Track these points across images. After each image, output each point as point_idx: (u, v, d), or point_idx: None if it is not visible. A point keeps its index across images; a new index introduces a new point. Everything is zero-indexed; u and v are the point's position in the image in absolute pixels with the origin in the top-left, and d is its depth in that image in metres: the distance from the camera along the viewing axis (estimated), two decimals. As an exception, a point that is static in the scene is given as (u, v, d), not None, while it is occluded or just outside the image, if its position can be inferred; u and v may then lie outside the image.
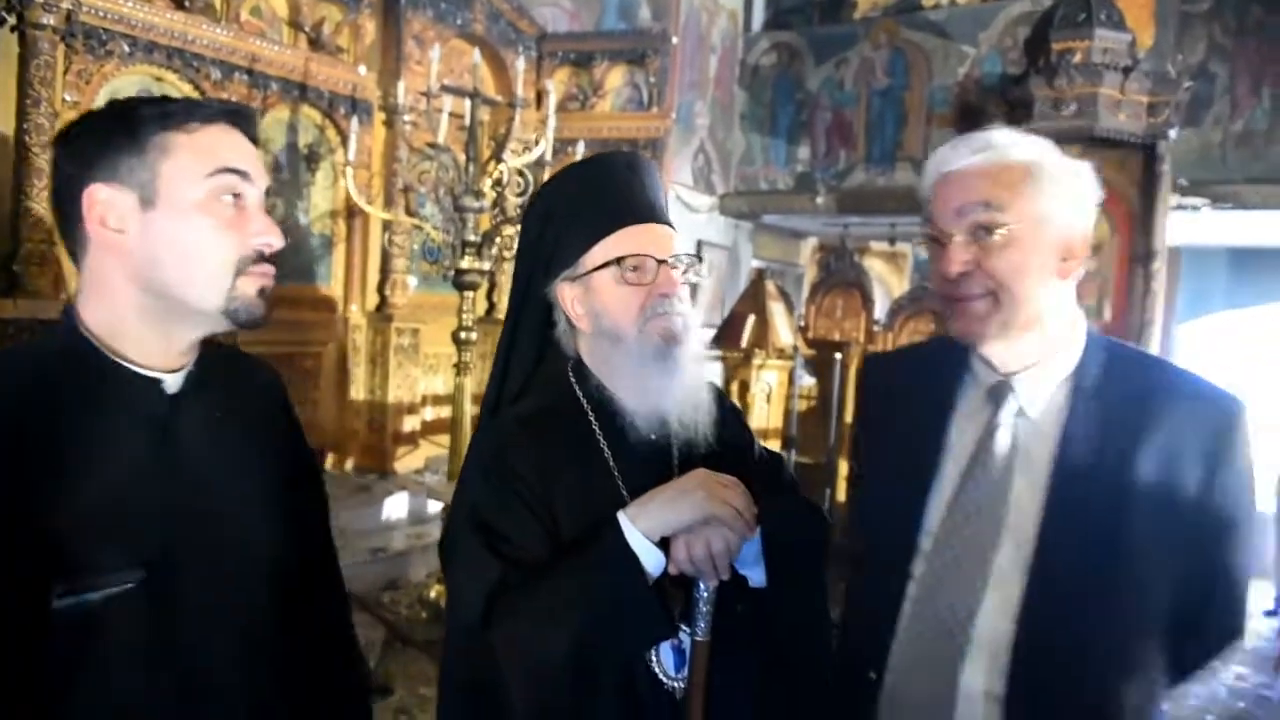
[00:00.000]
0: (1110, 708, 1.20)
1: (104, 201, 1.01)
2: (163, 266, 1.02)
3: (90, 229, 1.02)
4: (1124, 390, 1.24)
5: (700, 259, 1.35)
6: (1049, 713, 1.19)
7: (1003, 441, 1.27)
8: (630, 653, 1.23)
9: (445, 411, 5.79)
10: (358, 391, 5.75)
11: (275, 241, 1.07)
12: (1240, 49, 6.65)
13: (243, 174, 1.05)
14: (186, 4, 4.49)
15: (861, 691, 1.30)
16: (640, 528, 1.18)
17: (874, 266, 9.27)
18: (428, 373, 6.13)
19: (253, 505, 1.13)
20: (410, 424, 5.89)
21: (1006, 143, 1.23)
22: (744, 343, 5.84)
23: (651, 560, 1.18)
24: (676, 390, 1.27)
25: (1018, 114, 6.21)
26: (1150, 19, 6.75)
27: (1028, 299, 1.21)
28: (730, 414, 1.47)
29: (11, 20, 3.84)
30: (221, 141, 1.06)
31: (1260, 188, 6.64)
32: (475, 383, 4.15)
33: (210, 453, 1.09)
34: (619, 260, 1.26)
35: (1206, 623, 1.25)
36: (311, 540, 1.26)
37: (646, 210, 1.31)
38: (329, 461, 5.59)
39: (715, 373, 5.80)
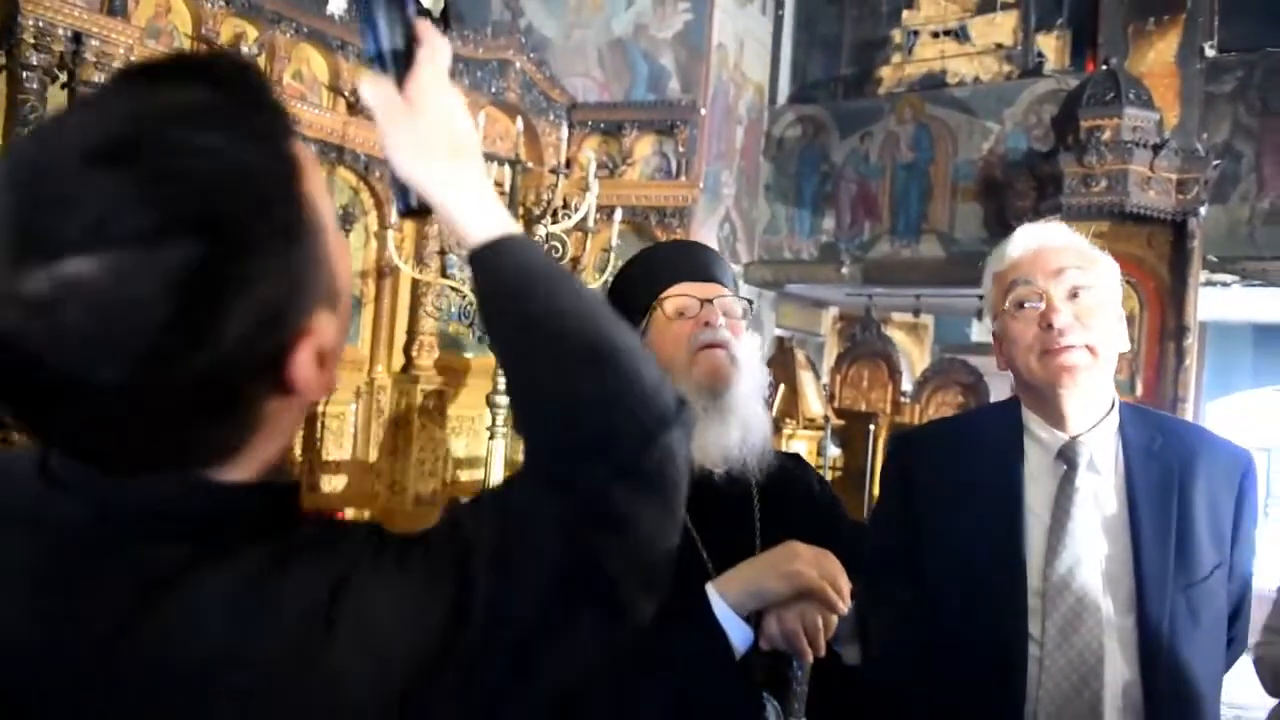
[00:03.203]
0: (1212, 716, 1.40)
1: (321, 331, 0.64)
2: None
3: (298, 378, 0.63)
4: (1161, 443, 1.42)
5: (751, 303, 1.43)
6: None
7: (1083, 497, 1.39)
8: None
9: (469, 475, 5.70)
10: (380, 453, 5.66)
11: None
12: (1265, 129, 6.70)
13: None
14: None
15: None
16: (729, 600, 1.13)
17: (895, 337, 9.23)
18: (453, 435, 6.06)
19: None
20: (432, 487, 5.80)
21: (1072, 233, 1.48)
22: (774, 412, 5.77)
23: (739, 635, 1.13)
24: (726, 435, 1.26)
25: (1047, 189, 6.23)
26: (1175, 99, 6.82)
27: (1112, 357, 1.40)
28: (819, 483, 1.47)
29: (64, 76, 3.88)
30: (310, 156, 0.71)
31: (1289, 265, 6.62)
32: (508, 447, 4.08)
33: None
34: (661, 303, 1.33)
35: (1237, 632, 1.48)
36: None
37: (697, 271, 1.38)
38: (349, 524, 5.48)
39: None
